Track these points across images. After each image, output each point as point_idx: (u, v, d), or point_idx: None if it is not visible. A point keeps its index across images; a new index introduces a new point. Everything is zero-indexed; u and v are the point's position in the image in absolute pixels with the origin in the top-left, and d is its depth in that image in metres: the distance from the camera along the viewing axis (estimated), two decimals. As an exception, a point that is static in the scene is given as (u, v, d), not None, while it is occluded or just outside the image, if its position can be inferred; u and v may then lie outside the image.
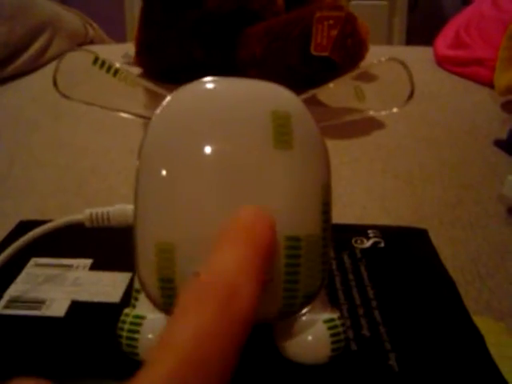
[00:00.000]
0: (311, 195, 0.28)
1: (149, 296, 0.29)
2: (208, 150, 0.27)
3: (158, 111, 0.29)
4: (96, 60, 0.32)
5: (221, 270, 0.22)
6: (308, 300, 0.29)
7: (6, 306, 0.36)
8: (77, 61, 0.34)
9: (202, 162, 0.27)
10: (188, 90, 0.29)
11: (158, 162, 0.27)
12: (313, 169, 0.28)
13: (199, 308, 0.21)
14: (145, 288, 0.29)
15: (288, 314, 0.29)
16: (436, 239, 0.46)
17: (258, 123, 0.27)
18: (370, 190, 0.62)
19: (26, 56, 1.03)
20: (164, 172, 0.27)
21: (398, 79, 0.36)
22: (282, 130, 0.27)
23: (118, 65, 0.33)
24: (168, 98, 0.29)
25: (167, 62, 0.91)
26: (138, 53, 0.95)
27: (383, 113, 0.35)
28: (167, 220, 0.27)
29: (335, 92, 0.34)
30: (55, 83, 0.34)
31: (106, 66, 0.33)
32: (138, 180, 0.29)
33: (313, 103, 0.31)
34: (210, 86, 0.29)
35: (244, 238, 0.24)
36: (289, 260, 0.27)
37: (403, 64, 0.35)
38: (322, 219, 0.28)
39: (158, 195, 0.27)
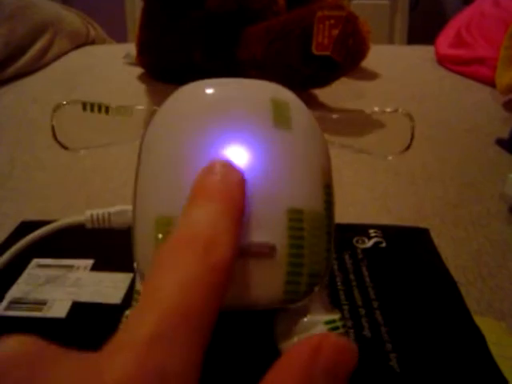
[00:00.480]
0: (312, 173, 0.28)
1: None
2: (209, 128, 0.27)
3: (160, 107, 0.29)
4: (85, 106, 0.33)
5: (195, 222, 0.22)
6: (314, 281, 0.29)
7: (8, 307, 0.36)
8: (67, 112, 0.35)
9: (202, 139, 0.27)
10: (190, 87, 0.30)
11: (159, 141, 0.28)
12: (312, 149, 0.29)
13: (178, 261, 0.21)
14: (142, 266, 0.28)
15: (294, 296, 0.28)
16: (437, 238, 0.46)
17: (259, 107, 0.28)
18: (371, 189, 0.62)
19: (27, 56, 1.03)
20: (164, 148, 0.28)
21: (402, 125, 0.37)
22: (281, 113, 0.28)
23: (107, 103, 0.34)
24: (173, 93, 0.29)
25: (168, 62, 0.91)
26: (140, 53, 0.95)
27: (379, 157, 0.36)
28: (167, 194, 0.27)
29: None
30: (55, 137, 0.35)
31: (96, 107, 0.34)
32: (139, 160, 0.29)
33: (312, 104, 0.31)
34: (211, 82, 0.30)
35: (217, 190, 0.24)
36: (292, 232, 0.27)
37: (409, 116, 0.35)
38: (323, 199, 0.28)
39: (159, 170, 0.28)
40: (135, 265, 0.31)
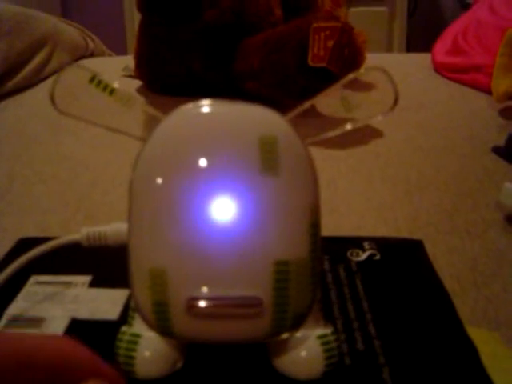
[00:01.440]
0: (299, 219, 0.28)
1: (144, 318, 0.30)
2: (197, 177, 0.27)
3: (150, 136, 0.29)
4: (93, 79, 0.33)
5: None
6: (298, 321, 0.30)
7: (7, 325, 0.37)
8: (75, 77, 0.34)
9: (191, 190, 0.27)
10: (181, 115, 0.30)
11: (150, 187, 0.28)
12: (300, 192, 0.29)
13: None
14: (140, 310, 0.30)
15: (277, 335, 0.30)
16: (433, 247, 0.47)
17: (246, 150, 0.28)
18: (367, 199, 0.62)
19: (26, 71, 1.03)
20: (155, 199, 0.28)
21: (386, 87, 0.36)
22: (269, 157, 0.28)
23: (115, 84, 0.34)
24: (161, 123, 0.30)
25: (166, 75, 0.92)
26: (138, 66, 0.96)
27: (368, 121, 0.35)
28: (158, 246, 0.28)
29: (332, 100, 0.35)
30: (52, 99, 0.34)
31: (103, 85, 0.34)
32: (131, 203, 0.29)
33: (310, 114, 0.31)
34: (201, 110, 0.29)
35: None
36: (278, 284, 0.28)
37: (385, 71, 0.35)
38: (310, 241, 0.29)
39: (149, 221, 0.28)
40: (133, 304, 0.32)
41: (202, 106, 0.29)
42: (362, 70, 0.35)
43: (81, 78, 0.33)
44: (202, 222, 0.27)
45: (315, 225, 0.29)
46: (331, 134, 0.33)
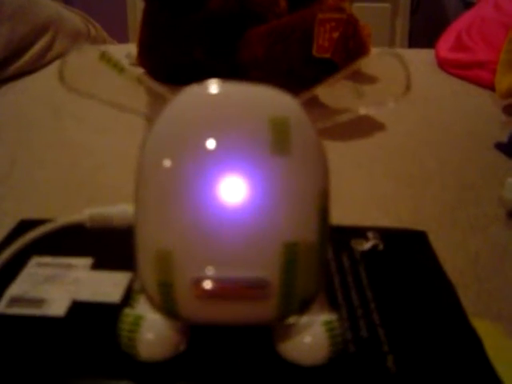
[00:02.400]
0: (309, 201, 0.28)
1: (149, 298, 0.29)
2: (206, 157, 0.27)
3: (159, 117, 0.29)
4: (103, 56, 0.32)
5: None
6: (304, 305, 0.29)
7: (7, 306, 0.37)
8: (83, 57, 0.34)
9: (200, 170, 0.27)
10: (190, 95, 0.29)
11: (158, 168, 0.28)
12: (310, 175, 0.28)
13: None
14: (145, 290, 0.29)
15: (284, 318, 0.29)
16: (435, 241, 0.47)
17: (257, 130, 0.28)
18: (370, 192, 0.62)
19: (28, 56, 1.03)
20: (163, 180, 0.28)
21: (395, 77, 0.35)
22: (280, 137, 0.27)
23: (126, 64, 0.33)
24: (170, 103, 0.29)
25: (169, 63, 0.91)
26: (141, 53, 0.96)
27: (381, 108, 0.35)
28: (166, 226, 0.28)
29: (333, 92, 0.34)
30: (61, 77, 0.34)
31: (113, 62, 0.33)
32: (138, 184, 0.29)
33: (313, 104, 0.31)
34: (211, 90, 0.29)
35: None
36: (286, 266, 0.27)
37: (397, 55, 0.34)
38: (319, 225, 0.28)
39: (157, 202, 0.28)
40: (137, 284, 0.31)
41: (212, 86, 0.29)
42: (374, 55, 0.35)
43: (90, 58, 0.32)
44: (210, 202, 0.27)
45: (324, 209, 0.29)
46: (342, 118, 0.32)
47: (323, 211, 0.29)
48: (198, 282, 0.27)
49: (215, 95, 0.29)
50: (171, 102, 0.29)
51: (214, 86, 0.29)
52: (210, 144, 0.27)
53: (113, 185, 0.64)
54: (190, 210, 0.27)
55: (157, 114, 0.29)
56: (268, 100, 0.29)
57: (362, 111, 0.32)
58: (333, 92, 0.34)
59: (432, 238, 0.47)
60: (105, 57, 0.32)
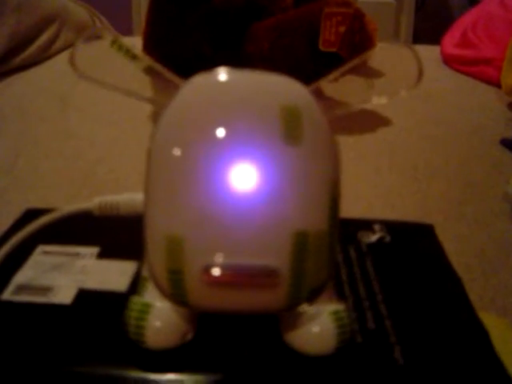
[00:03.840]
0: (320, 191, 0.28)
1: (157, 285, 0.29)
2: (217, 145, 0.27)
3: (169, 104, 0.29)
4: (114, 42, 0.32)
5: None
6: (314, 294, 0.29)
7: (14, 293, 0.37)
8: (94, 43, 0.34)
9: (211, 157, 0.27)
10: (200, 83, 0.29)
11: (169, 155, 0.28)
12: (322, 164, 0.28)
13: None
14: (154, 277, 0.29)
15: (293, 307, 0.29)
16: (441, 235, 0.46)
17: (268, 118, 0.28)
18: (375, 186, 0.62)
19: (33, 48, 1.03)
20: (174, 165, 0.27)
21: (404, 70, 0.35)
22: (291, 125, 0.27)
23: (137, 50, 0.33)
24: (179, 91, 0.29)
25: (175, 56, 0.91)
26: (146, 47, 0.95)
27: (392, 98, 0.35)
28: (176, 213, 0.27)
29: (340, 84, 0.34)
30: (72, 63, 0.34)
31: (124, 49, 0.33)
32: (149, 171, 0.29)
33: (318, 97, 0.30)
34: (222, 78, 0.29)
35: None
36: (296, 255, 0.27)
37: (409, 46, 0.34)
38: (330, 215, 0.28)
39: (168, 188, 0.28)
40: (145, 271, 0.31)
41: (223, 73, 0.29)
42: (383, 47, 0.35)
43: (101, 44, 0.32)
44: (221, 190, 0.27)
45: (335, 199, 0.29)
46: (353, 108, 0.32)
47: (334, 201, 0.29)
48: (207, 269, 0.27)
49: (226, 83, 0.29)
50: (181, 90, 0.29)
51: (224, 74, 0.29)
52: (221, 132, 0.27)
53: (117, 176, 0.64)
54: (201, 197, 0.27)
55: (167, 101, 0.29)
56: (279, 88, 0.29)
57: (375, 101, 0.32)
58: (339, 85, 0.34)
59: (437, 231, 0.47)
60: (116, 43, 0.32)
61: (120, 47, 0.32)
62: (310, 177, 0.28)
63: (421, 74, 0.33)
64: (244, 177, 0.27)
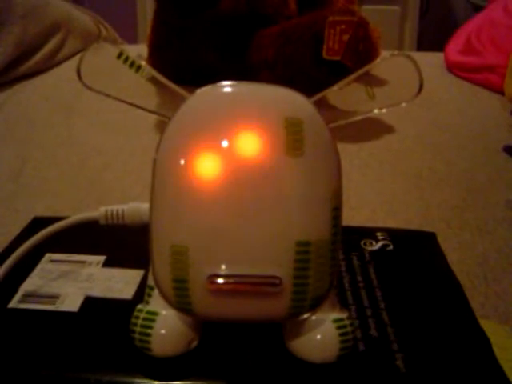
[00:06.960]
0: (322, 201, 0.29)
1: (163, 294, 0.30)
2: (222, 156, 0.28)
3: (175, 115, 0.29)
4: (120, 55, 0.33)
5: None
6: (316, 302, 0.30)
7: (21, 301, 0.37)
8: (100, 55, 0.34)
9: (216, 168, 0.28)
10: (205, 96, 0.30)
11: (174, 166, 0.28)
12: (324, 175, 0.29)
13: None
14: (159, 286, 0.30)
15: (296, 315, 0.30)
16: (443, 243, 0.47)
17: (271, 130, 0.28)
18: (379, 193, 0.62)
19: (39, 56, 1.04)
20: (179, 176, 0.28)
21: (406, 79, 0.36)
22: (294, 137, 0.28)
23: (142, 62, 0.34)
24: (185, 102, 0.30)
25: (180, 64, 0.92)
26: (151, 54, 0.96)
27: (392, 108, 0.35)
28: (181, 223, 0.28)
29: (345, 93, 0.34)
30: (79, 74, 0.35)
31: (130, 61, 0.34)
32: (154, 181, 0.29)
33: (323, 106, 0.31)
34: (226, 90, 0.30)
35: None
36: (298, 264, 0.28)
37: (409, 57, 0.35)
38: (331, 224, 0.29)
39: (173, 198, 0.28)
40: (151, 280, 0.32)
41: (227, 86, 0.30)
42: (386, 56, 0.35)
43: (107, 56, 0.33)
44: (225, 200, 0.27)
45: (337, 209, 0.29)
46: (356, 118, 0.33)
47: (335, 210, 0.29)
48: (212, 279, 0.28)
49: (230, 95, 0.30)
50: (186, 102, 0.30)
51: (228, 87, 0.30)
52: (225, 143, 0.28)
53: (122, 184, 0.64)
54: (206, 207, 0.27)
55: (173, 113, 0.30)
56: (282, 101, 0.30)
57: (376, 111, 0.33)
58: (343, 94, 0.35)
59: (440, 239, 0.47)
60: (122, 55, 0.32)
61: (126, 59, 0.33)
62: (312, 188, 0.28)
63: (421, 85, 0.33)
64: (247, 187, 0.27)
